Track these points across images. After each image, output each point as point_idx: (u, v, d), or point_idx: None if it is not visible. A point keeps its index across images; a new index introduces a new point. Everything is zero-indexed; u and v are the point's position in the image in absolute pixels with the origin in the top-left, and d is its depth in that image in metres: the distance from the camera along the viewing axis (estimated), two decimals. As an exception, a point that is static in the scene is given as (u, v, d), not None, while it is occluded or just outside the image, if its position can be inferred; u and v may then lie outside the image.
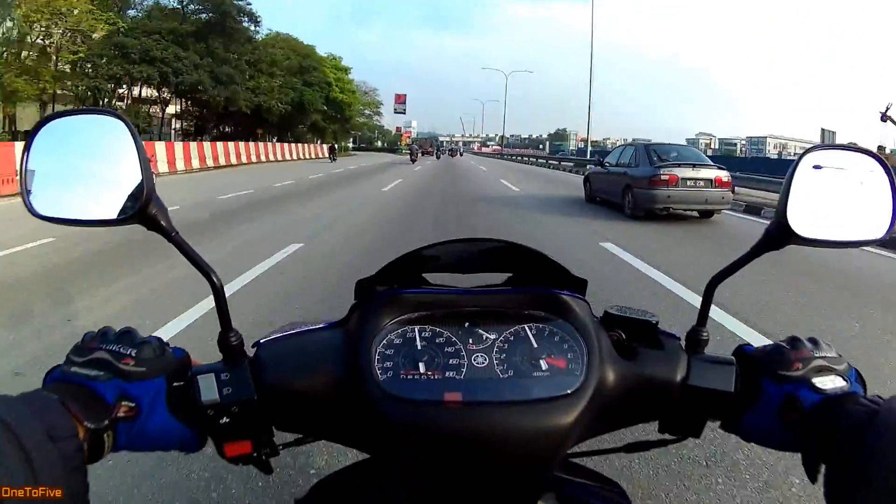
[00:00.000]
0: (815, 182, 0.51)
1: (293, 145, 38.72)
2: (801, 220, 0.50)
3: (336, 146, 40.54)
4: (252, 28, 38.10)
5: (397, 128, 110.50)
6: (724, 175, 8.96)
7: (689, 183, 8.72)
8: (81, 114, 0.50)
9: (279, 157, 32.39)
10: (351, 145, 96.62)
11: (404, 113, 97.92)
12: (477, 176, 21.50)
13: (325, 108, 49.04)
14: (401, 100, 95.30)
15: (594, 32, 30.81)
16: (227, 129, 40.16)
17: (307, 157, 39.30)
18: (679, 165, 8.88)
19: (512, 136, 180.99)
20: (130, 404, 0.46)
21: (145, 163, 0.48)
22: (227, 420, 0.49)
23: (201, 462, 1.96)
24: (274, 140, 41.63)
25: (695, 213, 9.24)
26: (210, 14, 33.89)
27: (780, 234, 0.51)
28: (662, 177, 8.67)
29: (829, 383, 0.49)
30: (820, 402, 0.48)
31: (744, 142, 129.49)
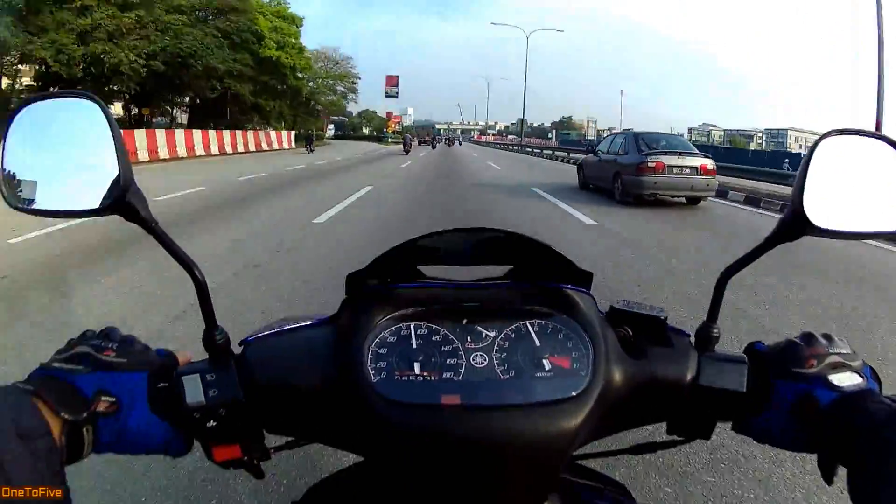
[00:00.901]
0: (832, 170, 0.48)
1: (219, 134, 24.89)
2: (817, 209, 0.47)
3: (313, 135, 33.75)
4: None
5: (388, 113, 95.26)
6: (709, 163, 9.36)
7: (675, 170, 9.13)
8: (56, 97, 0.48)
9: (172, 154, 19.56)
10: (330, 132, 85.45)
11: (396, 97, 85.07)
12: (484, 173, 16.65)
13: (252, 71, 32.79)
14: (393, 82, 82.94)
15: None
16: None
17: (243, 149, 26.94)
18: (666, 153, 9.28)
19: (512, 124, 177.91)
20: (110, 399, 0.44)
21: (122, 149, 0.45)
22: (214, 423, 0.47)
23: (197, 464, 1.90)
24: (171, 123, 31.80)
25: (682, 200, 9.66)
26: None
27: (795, 225, 0.48)
28: (650, 164, 9.08)
29: (845, 380, 0.47)
30: (837, 400, 0.46)
31: (761, 133, 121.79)
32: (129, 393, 0.45)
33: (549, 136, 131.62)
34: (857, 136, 0.50)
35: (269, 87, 37.45)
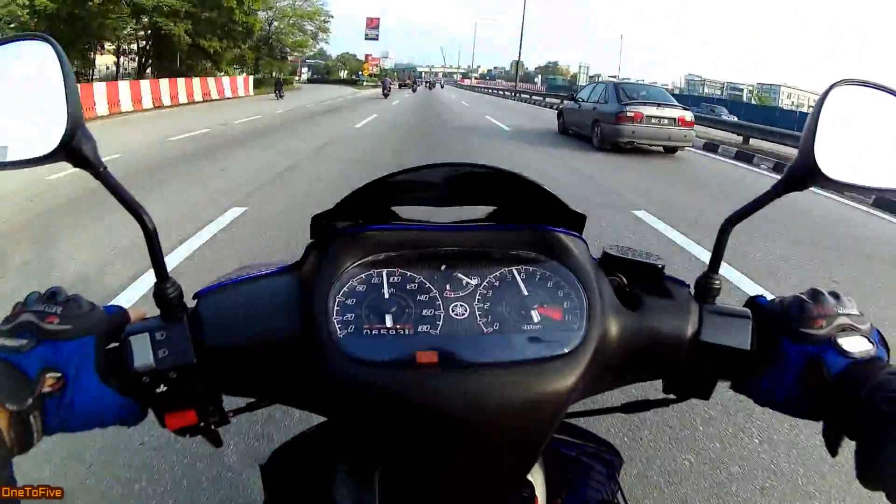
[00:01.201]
0: (843, 121, 0.47)
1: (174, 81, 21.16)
2: (828, 158, 0.45)
3: (281, 80, 31.23)
4: None
5: (366, 56, 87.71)
6: (687, 115, 9.54)
7: (653, 120, 9.28)
8: (10, 42, 0.45)
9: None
10: (303, 76, 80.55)
11: (377, 39, 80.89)
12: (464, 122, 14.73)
13: (190, 5, 27.03)
14: (373, 24, 78.77)
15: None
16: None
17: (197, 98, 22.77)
18: (644, 104, 9.39)
19: (495, 68, 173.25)
20: (56, 374, 0.41)
21: (72, 90, 0.42)
22: (165, 388, 0.43)
23: (155, 427, 1.74)
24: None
25: (660, 149, 9.84)
26: None
27: (804, 173, 0.46)
28: (628, 113, 9.20)
29: (854, 345, 0.44)
30: (846, 367, 0.43)
31: (752, 87, 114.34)
32: (74, 364, 0.41)
33: (536, 80, 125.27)
34: (869, 88, 0.48)
35: (215, 24, 30.15)
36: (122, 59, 31.92)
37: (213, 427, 0.47)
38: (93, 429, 0.44)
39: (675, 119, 9.38)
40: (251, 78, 33.11)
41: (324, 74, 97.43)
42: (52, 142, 0.41)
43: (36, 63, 0.43)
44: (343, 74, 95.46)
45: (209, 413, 0.46)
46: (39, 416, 0.40)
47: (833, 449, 0.43)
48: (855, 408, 0.41)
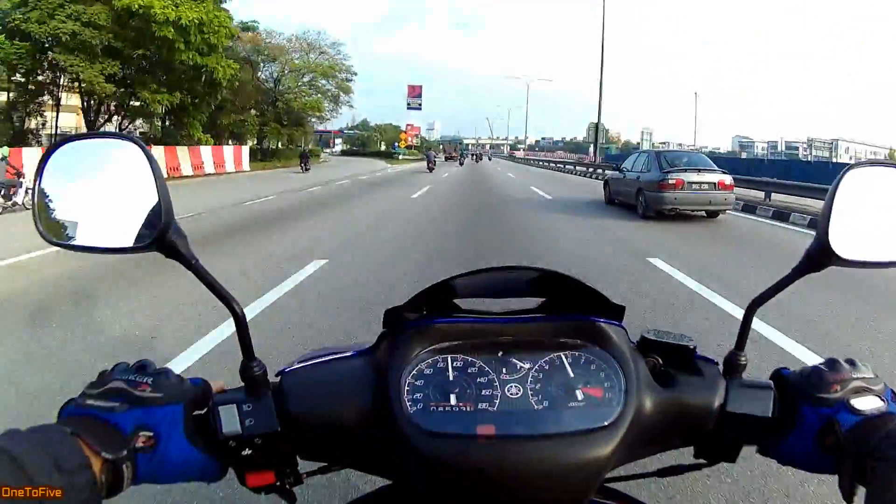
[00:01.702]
0: (858, 201, 0.50)
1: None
2: (842, 240, 0.49)
3: (306, 151, 30.10)
4: None
5: (408, 125, 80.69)
6: (727, 179, 10.12)
7: (694, 186, 9.89)
8: (95, 137, 0.50)
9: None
10: (336, 148, 78.13)
11: (419, 108, 74.96)
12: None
13: (109, 36, 19.09)
14: (416, 92, 73.93)
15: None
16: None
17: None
18: (685, 171, 10.05)
19: (543, 138, 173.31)
20: (148, 433, 0.45)
21: (163, 188, 0.47)
22: (250, 451, 0.48)
23: (222, 486, 1.71)
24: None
25: (703, 213, 10.38)
26: None
27: (820, 256, 0.50)
28: (670, 181, 9.87)
29: (866, 404, 0.49)
30: (858, 423, 0.48)
31: (806, 144, 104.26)
32: (165, 426, 0.46)
33: (589, 150, 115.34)
34: (883, 168, 0.52)
35: (160, 67, 21.90)
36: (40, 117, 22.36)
37: (288, 486, 0.52)
38: (177, 482, 0.49)
39: (714, 184, 9.97)
40: (245, 148, 27.46)
41: (359, 146, 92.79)
42: (147, 234, 0.47)
43: (125, 160, 0.48)
44: (382, 146, 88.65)
45: (286, 474, 0.51)
46: (131, 467, 0.44)
47: (849, 498, 0.46)
48: (865, 458, 0.44)
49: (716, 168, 10.49)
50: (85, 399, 0.46)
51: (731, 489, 2.07)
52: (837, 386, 0.50)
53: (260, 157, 33.98)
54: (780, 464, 0.54)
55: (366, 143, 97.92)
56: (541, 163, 50.11)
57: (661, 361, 0.56)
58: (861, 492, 0.46)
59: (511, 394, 0.51)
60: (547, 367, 0.53)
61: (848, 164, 0.55)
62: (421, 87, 75.88)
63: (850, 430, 0.48)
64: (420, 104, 75.32)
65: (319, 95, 41.81)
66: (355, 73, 44.04)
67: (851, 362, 0.53)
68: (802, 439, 0.51)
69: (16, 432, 0.39)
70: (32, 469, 0.36)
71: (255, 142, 37.33)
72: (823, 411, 0.50)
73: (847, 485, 0.47)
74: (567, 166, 35.80)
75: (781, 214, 10.69)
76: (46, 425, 0.41)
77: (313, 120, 44.60)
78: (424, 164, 32.79)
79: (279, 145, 40.94)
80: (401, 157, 61.54)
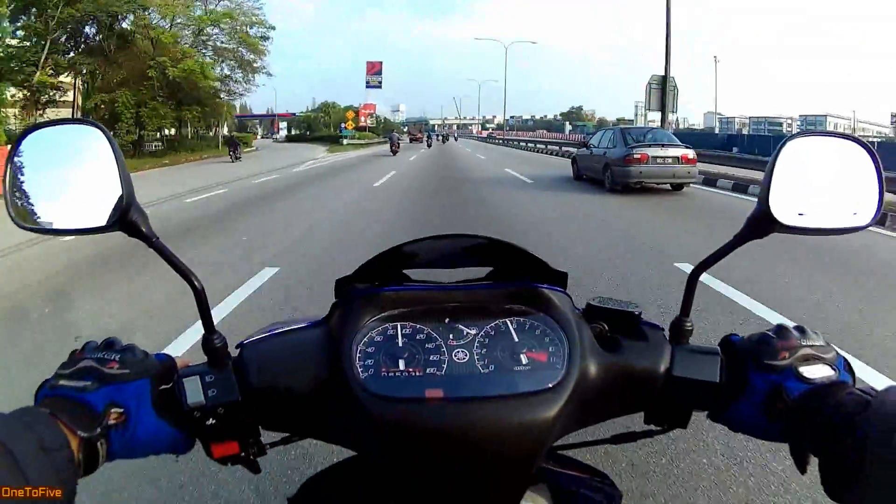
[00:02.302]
0: (799, 169, 0.51)
1: None
2: (783, 207, 0.50)
3: (234, 138, 25.60)
4: None
5: (363, 105, 67.09)
6: (689, 153, 10.45)
7: (658, 160, 10.19)
8: (61, 124, 0.51)
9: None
10: (282, 133, 68.86)
11: (380, 86, 65.67)
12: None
13: None
14: (375, 69, 64.50)
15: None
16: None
17: None
18: (650, 146, 10.33)
19: (512, 117, 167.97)
20: (119, 410, 0.47)
21: (124, 170, 0.48)
22: (214, 421, 0.50)
23: (192, 462, 1.97)
24: None
25: (667, 186, 10.72)
26: None
27: (762, 223, 0.51)
28: (635, 156, 10.16)
29: (816, 372, 0.49)
30: (806, 392, 0.48)
31: (789, 120, 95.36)
32: (135, 401, 0.48)
33: (565, 129, 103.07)
34: (823, 137, 0.53)
35: None
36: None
37: (252, 457, 0.54)
38: (148, 456, 0.51)
39: (678, 157, 10.29)
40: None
41: (304, 130, 78.50)
42: (109, 215, 0.48)
43: (88, 145, 0.50)
44: (332, 129, 69.64)
45: (250, 445, 0.53)
46: (105, 444, 0.46)
47: (801, 466, 0.47)
48: (816, 427, 0.45)
49: (679, 143, 10.81)
50: (58, 380, 0.47)
51: (687, 453, 2.10)
52: (786, 353, 0.51)
53: (165, 147, 26.70)
54: (731, 430, 0.55)
55: (312, 125, 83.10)
56: (519, 143, 44.43)
57: (606, 327, 0.57)
58: (814, 461, 0.46)
59: (458, 359, 0.53)
60: (493, 333, 0.55)
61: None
62: (381, 63, 66.51)
63: (797, 397, 0.48)
64: (380, 82, 65.83)
65: (207, 56, 29.50)
66: (272, 28, 32.29)
67: (801, 329, 0.53)
68: (751, 406, 0.52)
69: None
70: (19, 452, 0.37)
71: (136, 128, 26.13)
72: (771, 378, 0.50)
73: (799, 454, 0.48)
74: (550, 147, 32.10)
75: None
76: (26, 408, 0.43)
77: (224, 96, 33.01)
78: (380, 148, 31.02)
79: (182, 132, 31.57)
80: (346, 141, 47.33)
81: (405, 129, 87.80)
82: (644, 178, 10.22)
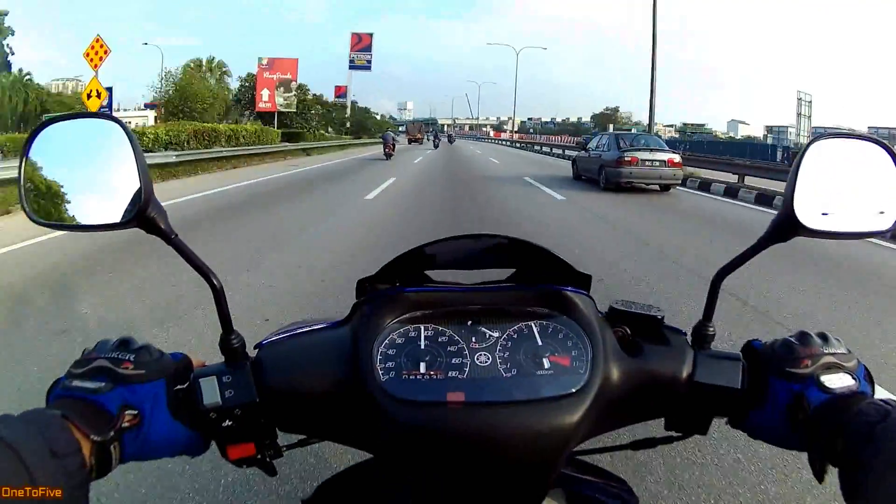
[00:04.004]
0: (823, 172, 0.50)
1: None
2: (808, 211, 0.49)
3: None
4: None
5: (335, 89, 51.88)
6: (675, 157, 11.81)
7: (647, 163, 11.51)
8: (77, 118, 0.50)
9: None
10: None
11: (368, 67, 51.63)
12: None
13: None
14: (363, 43, 51.26)
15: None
16: None
17: None
18: (640, 150, 11.72)
19: (530, 119, 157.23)
20: (133, 412, 0.46)
21: (143, 166, 0.47)
22: (230, 423, 0.49)
23: (206, 463, 1.94)
24: None
25: (656, 187, 12.01)
26: None
27: (787, 226, 0.50)
28: (626, 158, 11.51)
29: (837, 382, 0.49)
30: (827, 401, 0.48)
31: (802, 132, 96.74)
32: (149, 402, 0.47)
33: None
34: (847, 140, 0.52)
35: None
36: None
37: (268, 459, 0.54)
38: (162, 458, 0.50)
39: (665, 161, 11.62)
40: None
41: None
42: (128, 211, 0.47)
43: (108, 139, 0.48)
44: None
45: (266, 446, 0.53)
46: (118, 446, 0.45)
47: (819, 476, 0.47)
48: (834, 437, 0.45)
49: (667, 148, 12.21)
50: (71, 380, 0.47)
51: (705, 460, 2.08)
52: (808, 361, 0.50)
53: None
54: (751, 437, 0.55)
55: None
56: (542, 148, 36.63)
57: (629, 331, 0.57)
58: (832, 471, 0.46)
59: (480, 362, 0.52)
60: (515, 336, 0.54)
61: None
62: (370, 35, 51.83)
63: (818, 407, 0.48)
64: (370, 60, 51.13)
65: None
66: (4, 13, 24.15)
67: (823, 337, 0.52)
68: (772, 414, 0.51)
69: (9, 418, 0.40)
70: (29, 458, 0.36)
71: None
72: (793, 386, 0.50)
73: (817, 464, 0.47)
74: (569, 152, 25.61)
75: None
76: (37, 410, 0.42)
77: None
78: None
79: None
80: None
81: (402, 129, 78.73)
82: (633, 178, 11.55)
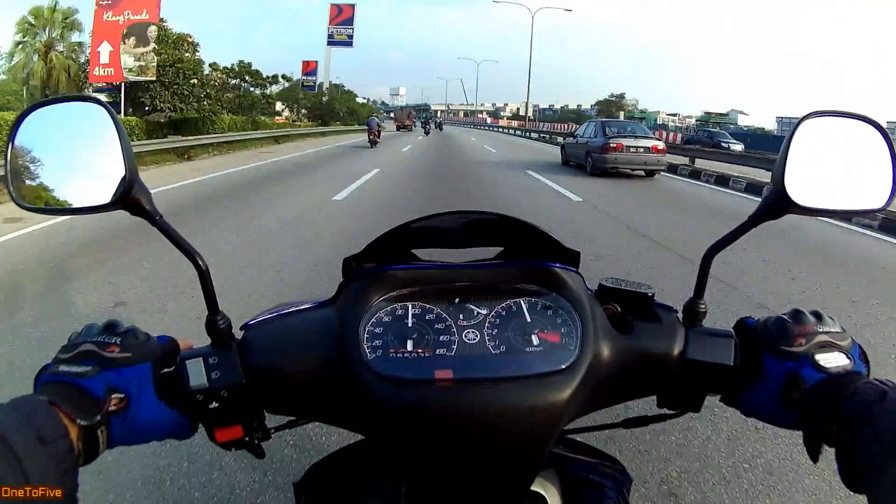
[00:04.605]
0: (814, 150, 0.50)
1: None
2: (798, 188, 0.49)
3: None
4: None
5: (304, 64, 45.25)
6: (659, 144, 12.13)
7: (631, 150, 11.84)
8: (63, 101, 0.49)
9: None
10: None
11: (349, 43, 45.96)
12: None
13: None
14: (344, 15, 45.56)
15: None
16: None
17: None
18: (625, 137, 12.00)
19: (533, 106, 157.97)
20: (120, 395, 0.46)
21: (127, 148, 0.47)
22: (217, 405, 0.49)
23: (198, 447, 1.94)
24: None
25: (641, 173, 12.34)
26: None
27: (777, 204, 0.50)
28: (612, 145, 11.82)
29: (832, 361, 0.48)
30: (823, 381, 0.47)
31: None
32: (136, 385, 0.47)
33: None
34: (838, 118, 0.51)
35: None
36: None
37: (256, 441, 0.53)
38: (150, 442, 0.49)
39: (648, 148, 11.93)
40: None
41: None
42: (112, 193, 0.46)
43: (93, 122, 0.48)
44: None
45: (254, 429, 0.52)
46: (106, 431, 0.45)
47: (814, 456, 0.46)
48: (830, 417, 0.44)
49: (651, 135, 12.50)
50: (58, 365, 0.46)
51: (697, 438, 2.09)
52: (802, 339, 0.50)
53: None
54: (744, 415, 0.54)
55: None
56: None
57: (619, 308, 0.56)
58: (828, 451, 0.46)
59: (468, 339, 0.51)
60: (504, 313, 0.54)
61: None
62: (353, 6, 45.29)
63: (814, 386, 0.47)
64: (351, 35, 45.03)
65: None
66: None
67: (817, 315, 0.52)
68: (766, 392, 0.51)
69: None
70: (15, 441, 0.36)
71: None
72: (787, 365, 0.50)
73: (812, 443, 0.47)
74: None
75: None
76: (25, 396, 0.42)
77: None
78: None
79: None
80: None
81: (389, 114, 76.61)
82: (619, 164, 11.86)
